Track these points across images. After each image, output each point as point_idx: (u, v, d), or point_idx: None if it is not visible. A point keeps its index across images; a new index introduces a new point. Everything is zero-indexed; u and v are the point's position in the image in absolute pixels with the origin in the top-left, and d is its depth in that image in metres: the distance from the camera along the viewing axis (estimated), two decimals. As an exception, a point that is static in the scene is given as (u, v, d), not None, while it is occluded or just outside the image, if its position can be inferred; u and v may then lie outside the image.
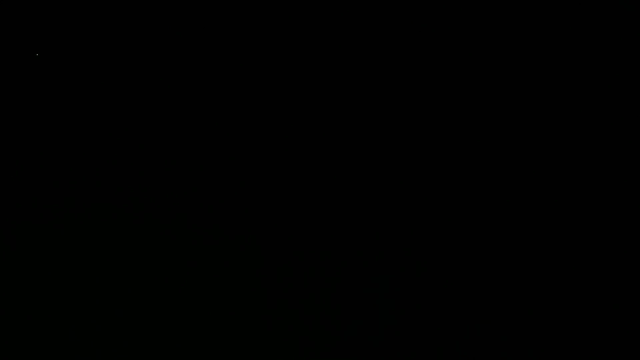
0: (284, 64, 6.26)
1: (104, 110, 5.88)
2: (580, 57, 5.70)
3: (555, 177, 5.42)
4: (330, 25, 6.10)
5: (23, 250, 5.35)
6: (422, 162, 6.16)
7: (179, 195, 5.73)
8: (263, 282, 5.32)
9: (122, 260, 5.34)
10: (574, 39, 5.71)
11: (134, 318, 4.74)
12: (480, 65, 6.32)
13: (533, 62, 6.01)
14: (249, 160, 6.35)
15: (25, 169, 5.51)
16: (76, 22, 5.57)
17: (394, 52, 6.43)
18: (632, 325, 4.12)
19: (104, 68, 5.89)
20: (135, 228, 5.47)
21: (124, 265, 5.32)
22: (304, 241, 5.71)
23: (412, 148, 6.27)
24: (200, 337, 4.71)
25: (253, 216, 5.81)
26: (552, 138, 5.68)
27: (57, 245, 5.38)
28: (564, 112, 5.72)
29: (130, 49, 5.89)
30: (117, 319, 4.74)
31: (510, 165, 5.76)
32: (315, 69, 6.52)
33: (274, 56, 6.27)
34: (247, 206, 5.88)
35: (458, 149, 6.03)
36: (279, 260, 5.59)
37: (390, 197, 6.07)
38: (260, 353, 4.63)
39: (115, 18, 5.62)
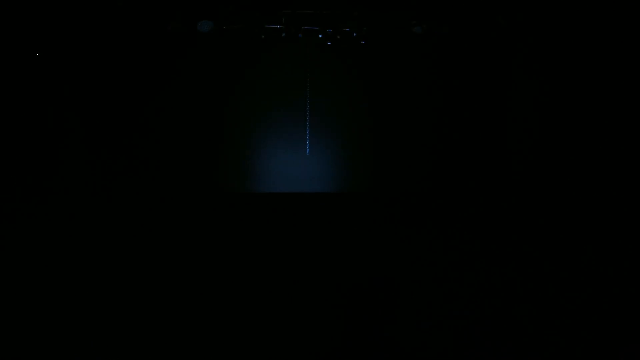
0: (286, 63, 6.26)
1: (104, 108, 5.88)
2: (579, 56, 5.70)
3: (553, 178, 5.41)
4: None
5: (22, 249, 5.35)
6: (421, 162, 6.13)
7: (179, 195, 5.73)
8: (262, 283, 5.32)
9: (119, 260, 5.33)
10: (572, 39, 5.71)
11: (132, 317, 4.74)
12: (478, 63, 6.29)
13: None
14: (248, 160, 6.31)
15: (25, 166, 5.51)
16: (77, 23, 5.59)
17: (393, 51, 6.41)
18: (632, 325, 4.13)
19: (104, 67, 5.89)
20: (132, 227, 5.46)
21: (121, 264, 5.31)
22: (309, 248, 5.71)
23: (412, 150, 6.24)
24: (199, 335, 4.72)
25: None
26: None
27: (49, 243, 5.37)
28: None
29: (131, 48, 5.89)
30: (115, 317, 4.74)
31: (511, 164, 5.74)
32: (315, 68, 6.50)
33: (273, 55, 6.26)
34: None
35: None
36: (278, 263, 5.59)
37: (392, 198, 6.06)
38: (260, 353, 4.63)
39: (115, 18, 5.64)
